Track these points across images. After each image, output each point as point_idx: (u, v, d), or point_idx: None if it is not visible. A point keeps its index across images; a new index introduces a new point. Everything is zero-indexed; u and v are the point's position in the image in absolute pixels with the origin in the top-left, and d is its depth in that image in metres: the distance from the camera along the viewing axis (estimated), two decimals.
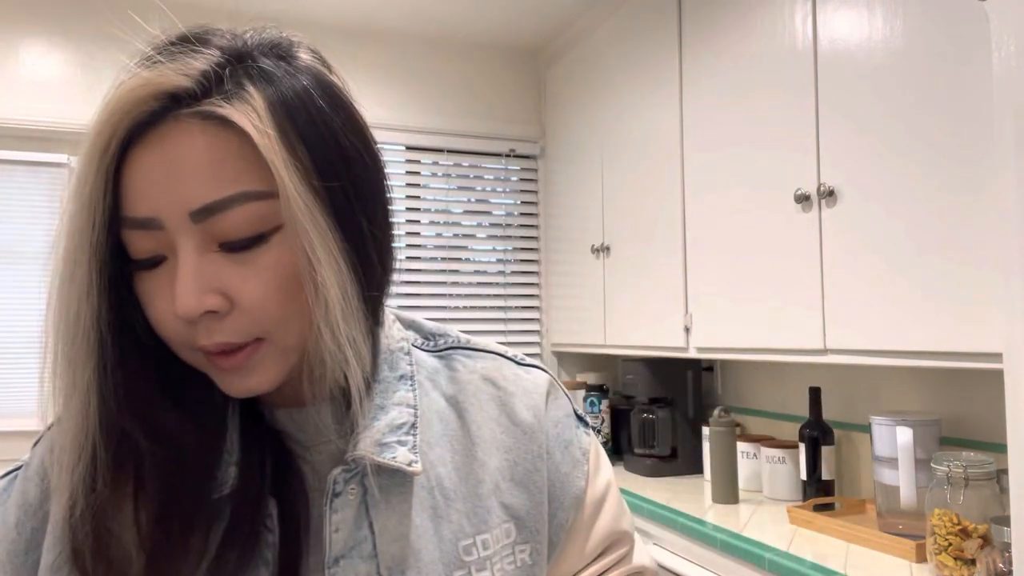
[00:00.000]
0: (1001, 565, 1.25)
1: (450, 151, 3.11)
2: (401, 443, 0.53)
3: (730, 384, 2.56)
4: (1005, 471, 1.39)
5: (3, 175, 2.60)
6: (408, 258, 3.03)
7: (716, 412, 2.14)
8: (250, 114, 0.47)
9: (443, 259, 3.07)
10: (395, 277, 0.57)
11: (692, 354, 2.18)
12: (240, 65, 0.53)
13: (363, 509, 0.52)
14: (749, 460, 2.20)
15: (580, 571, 0.61)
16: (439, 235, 3.07)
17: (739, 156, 1.97)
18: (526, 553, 0.57)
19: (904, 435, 1.59)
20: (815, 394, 2.02)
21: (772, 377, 2.36)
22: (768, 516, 1.92)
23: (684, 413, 2.52)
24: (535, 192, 3.21)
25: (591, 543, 0.61)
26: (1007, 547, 1.25)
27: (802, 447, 1.99)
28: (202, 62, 0.51)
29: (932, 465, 1.50)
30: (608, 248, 2.61)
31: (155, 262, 0.49)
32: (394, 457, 0.52)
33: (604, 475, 0.65)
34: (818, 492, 1.96)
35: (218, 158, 0.47)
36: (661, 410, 2.49)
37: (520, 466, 0.58)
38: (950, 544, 1.41)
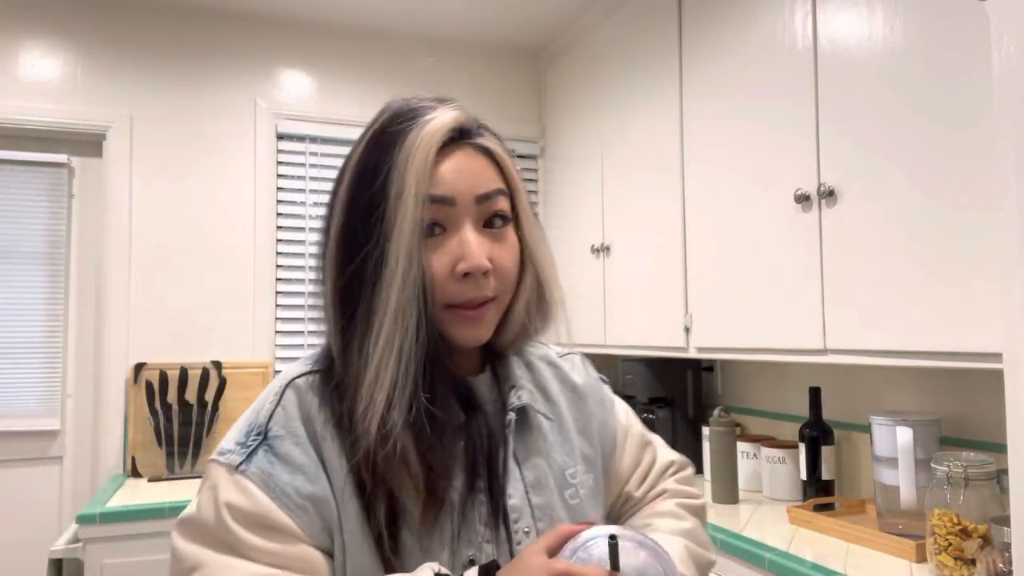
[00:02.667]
0: (1001, 565, 1.25)
1: None
2: (534, 401, 0.81)
3: (730, 384, 2.56)
4: (1005, 471, 1.39)
5: (3, 175, 2.60)
6: None
7: (716, 412, 2.14)
8: (496, 148, 0.75)
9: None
10: None
11: (692, 354, 2.18)
12: (476, 119, 0.77)
13: (519, 441, 0.78)
14: (749, 460, 2.20)
15: (630, 474, 0.90)
16: None
17: (739, 156, 1.97)
18: (591, 478, 0.83)
19: (904, 435, 1.59)
20: (815, 394, 2.02)
21: (772, 377, 2.36)
22: (768, 516, 1.92)
23: (684, 413, 2.52)
24: (535, 192, 3.21)
25: (628, 455, 0.90)
26: (1007, 547, 1.25)
27: (802, 447, 1.99)
28: (465, 114, 0.75)
29: (932, 465, 1.50)
30: (608, 248, 2.61)
31: (435, 232, 0.70)
32: (538, 409, 0.81)
33: (622, 410, 0.94)
34: (818, 492, 1.96)
35: (489, 169, 0.74)
36: (661, 410, 2.49)
37: (580, 421, 0.86)
38: (950, 544, 1.41)
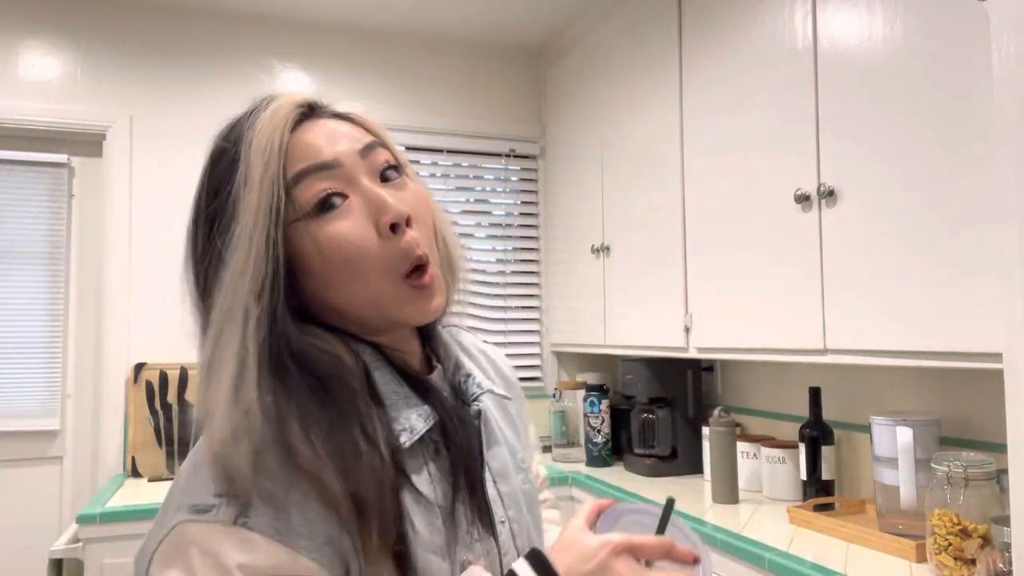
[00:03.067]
0: (1001, 565, 1.25)
1: (450, 151, 3.11)
2: (492, 388, 0.77)
3: (730, 384, 2.56)
4: (1005, 471, 1.39)
5: (3, 175, 2.60)
6: None
7: (716, 412, 2.14)
8: (351, 111, 0.72)
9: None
10: None
11: (692, 354, 2.18)
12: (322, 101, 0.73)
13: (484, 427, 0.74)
14: (749, 460, 2.20)
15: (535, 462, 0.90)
16: None
17: (739, 156, 1.97)
18: (528, 466, 0.80)
19: (904, 435, 1.59)
20: (815, 394, 2.02)
21: (772, 377, 2.36)
22: (768, 516, 1.92)
23: (684, 413, 2.52)
24: (535, 192, 3.21)
25: (530, 451, 0.87)
26: (1007, 547, 1.25)
27: (802, 447, 1.99)
28: (311, 92, 0.72)
29: (932, 465, 1.50)
30: (608, 248, 2.61)
31: (333, 204, 0.63)
32: (496, 393, 0.77)
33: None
34: (818, 492, 1.96)
35: (356, 129, 0.69)
36: (661, 410, 2.49)
37: (515, 407, 0.83)
38: (950, 544, 1.41)
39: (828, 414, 2.05)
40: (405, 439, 0.63)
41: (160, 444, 2.60)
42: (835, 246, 1.66)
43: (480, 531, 0.67)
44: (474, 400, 0.73)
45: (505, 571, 0.64)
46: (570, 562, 0.60)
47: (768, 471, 2.11)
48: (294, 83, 2.89)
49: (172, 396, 2.63)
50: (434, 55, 3.10)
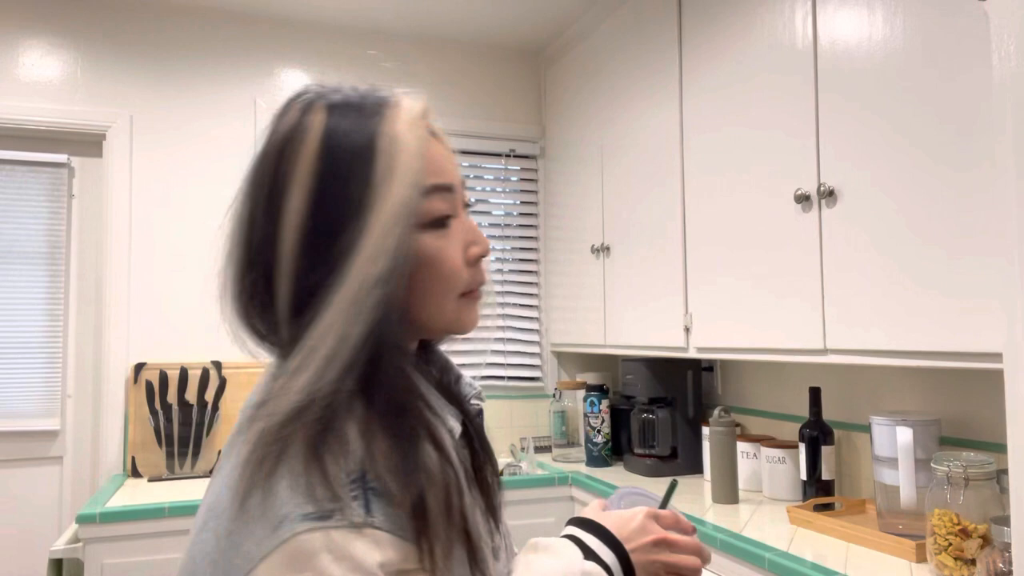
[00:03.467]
0: (1001, 565, 1.25)
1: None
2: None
3: (730, 384, 2.56)
4: (1005, 471, 1.39)
5: (3, 175, 2.60)
6: None
7: (716, 412, 2.14)
8: (443, 133, 0.72)
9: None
10: None
11: (692, 354, 2.18)
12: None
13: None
14: (749, 460, 2.20)
15: None
16: None
17: (739, 156, 1.97)
18: None
19: (904, 435, 1.59)
20: (815, 394, 2.02)
21: (772, 377, 2.36)
22: (768, 516, 1.92)
23: (684, 413, 2.52)
24: (535, 192, 3.21)
25: None
26: (1007, 547, 1.25)
27: (802, 447, 1.99)
28: (426, 102, 0.71)
29: (932, 465, 1.50)
30: (608, 248, 2.61)
31: (446, 224, 0.66)
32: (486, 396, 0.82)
33: None
34: (818, 492, 1.96)
35: (453, 154, 0.71)
36: (661, 410, 2.49)
37: None
38: (950, 544, 1.41)
39: (828, 414, 2.05)
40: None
41: (160, 444, 2.60)
42: (835, 246, 1.66)
43: (492, 522, 0.70)
44: (470, 400, 0.76)
45: (563, 534, 0.73)
46: (613, 524, 0.73)
47: (768, 471, 2.11)
48: (294, 83, 2.89)
49: (172, 396, 2.63)
50: (434, 55, 3.10)
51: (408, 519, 0.56)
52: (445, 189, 0.66)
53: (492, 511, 0.69)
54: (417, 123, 0.65)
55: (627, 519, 0.74)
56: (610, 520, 0.74)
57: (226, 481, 0.61)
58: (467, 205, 0.71)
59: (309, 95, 0.68)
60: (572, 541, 0.72)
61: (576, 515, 0.77)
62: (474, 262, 0.69)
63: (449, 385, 0.73)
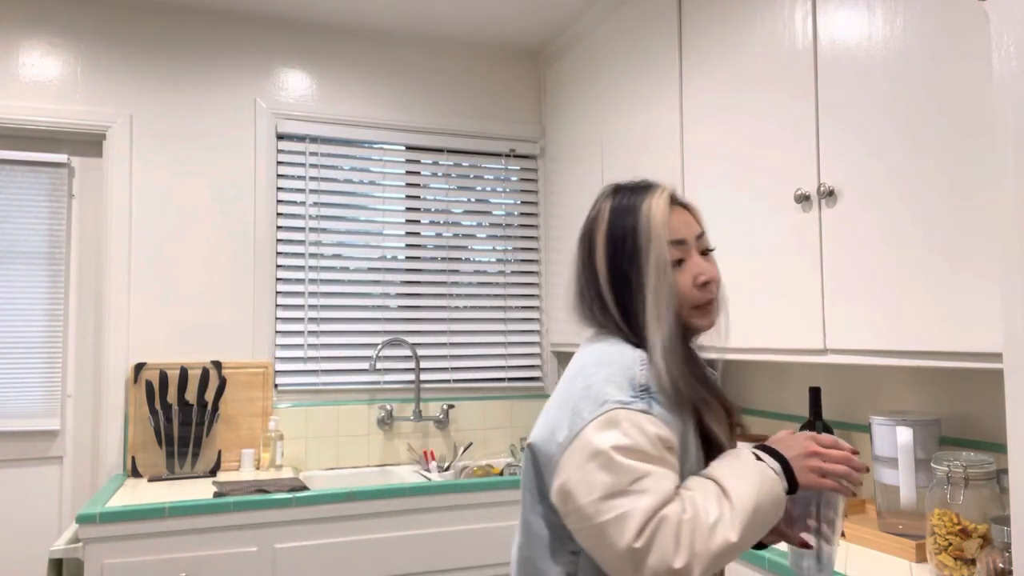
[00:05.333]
0: (1001, 565, 1.25)
1: (450, 151, 3.11)
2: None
3: (730, 384, 2.56)
4: (1005, 471, 1.39)
5: (3, 175, 2.60)
6: (408, 258, 3.03)
7: None
8: (691, 205, 1.16)
9: (443, 259, 3.07)
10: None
11: None
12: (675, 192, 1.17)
13: None
14: None
15: None
16: (439, 235, 3.07)
17: (739, 156, 1.97)
18: None
19: (904, 435, 1.59)
20: (815, 394, 2.02)
21: (772, 377, 2.36)
22: None
23: None
24: (535, 192, 3.21)
25: None
26: (1007, 547, 1.25)
27: None
28: (670, 189, 1.14)
29: (932, 465, 1.50)
30: None
31: (679, 263, 1.08)
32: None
33: None
34: None
35: (693, 218, 1.14)
36: None
37: None
38: (950, 544, 1.41)
39: (828, 414, 2.05)
40: None
41: (160, 444, 2.60)
42: (835, 246, 1.66)
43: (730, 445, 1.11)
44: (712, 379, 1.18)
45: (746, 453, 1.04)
46: (779, 442, 1.06)
47: None
48: (294, 83, 2.89)
49: (172, 396, 2.63)
50: (434, 55, 3.10)
51: (676, 417, 1.01)
52: (679, 243, 1.08)
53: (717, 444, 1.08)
54: (663, 200, 1.08)
55: (792, 438, 1.05)
56: (778, 442, 1.06)
57: (574, 377, 1.06)
58: (709, 250, 1.12)
59: (606, 188, 1.15)
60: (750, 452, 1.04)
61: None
62: (700, 286, 1.08)
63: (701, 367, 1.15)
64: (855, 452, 1.04)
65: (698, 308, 1.09)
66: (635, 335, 1.07)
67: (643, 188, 1.12)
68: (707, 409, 1.06)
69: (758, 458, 1.01)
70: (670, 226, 1.08)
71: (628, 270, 1.07)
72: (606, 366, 1.02)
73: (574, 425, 0.98)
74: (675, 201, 1.12)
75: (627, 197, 1.11)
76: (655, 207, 1.08)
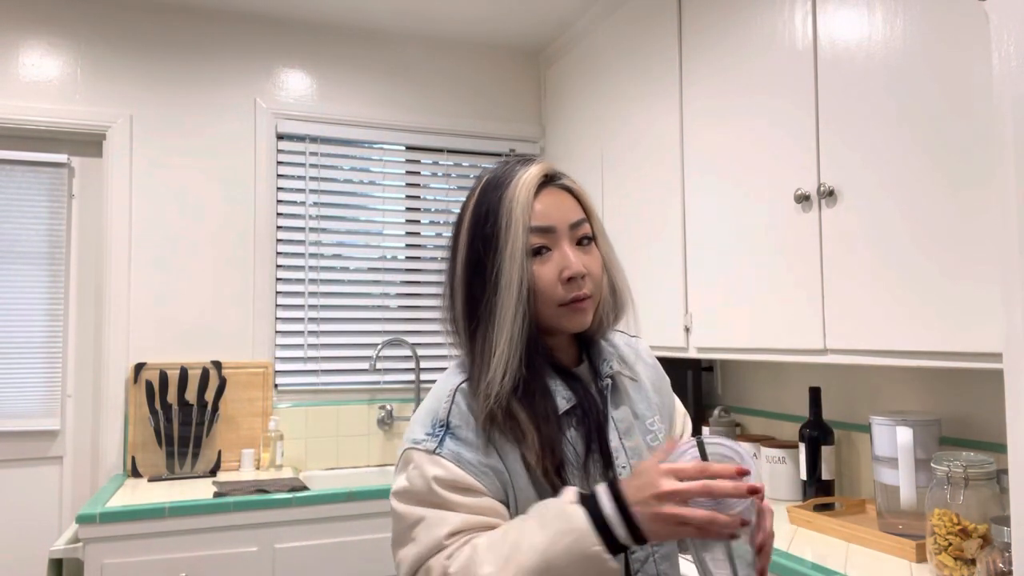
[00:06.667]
0: (1001, 565, 1.25)
1: (450, 151, 3.11)
2: (621, 368, 1.07)
3: (730, 384, 2.56)
4: (1005, 471, 1.39)
5: (3, 175, 2.60)
6: (408, 258, 3.03)
7: (716, 412, 2.14)
8: (574, 186, 1.04)
9: (443, 259, 3.06)
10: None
11: (692, 354, 2.18)
12: (556, 168, 1.05)
13: (612, 400, 1.03)
14: None
15: (679, 426, 1.17)
16: (439, 235, 3.07)
17: (739, 156, 1.97)
18: (664, 428, 1.08)
19: (904, 435, 1.59)
20: (815, 394, 2.02)
21: (772, 377, 2.36)
22: None
23: None
24: None
25: (678, 420, 1.18)
26: (1007, 547, 1.25)
27: (802, 447, 1.99)
28: (548, 165, 1.03)
29: (932, 465, 1.50)
30: None
31: (542, 252, 0.96)
32: (624, 373, 1.07)
33: (668, 382, 1.20)
34: (818, 492, 1.96)
35: (573, 202, 1.01)
36: None
37: (655, 383, 1.13)
38: (950, 544, 1.41)
39: (828, 414, 2.05)
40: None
41: (160, 444, 2.60)
42: (835, 246, 1.66)
43: (609, 478, 0.95)
44: (606, 376, 1.02)
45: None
46: (632, 484, 0.83)
47: (768, 471, 2.11)
48: (294, 83, 2.89)
49: (172, 396, 2.63)
50: (434, 55, 3.10)
51: (487, 448, 0.92)
52: (544, 229, 0.96)
53: (605, 463, 0.97)
54: (531, 179, 0.97)
55: (646, 472, 0.82)
56: (631, 481, 0.83)
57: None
58: (586, 238, 0.99)
59: (480, 176, 1.02)
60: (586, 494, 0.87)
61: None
62: (565, 281, 0.95)
63: (598, 367, 1.04)
64: (742, 472, 0.80)
65: (565, 307, 0.95)
66: (471, 341, 0.96)
67: (517, 163, 1.00)
68: (522, 442, 0.91)
69: (585, 502, 0.83)
70: (534, 210, 0.95)
71: (484, 256, 0.95)
72: (429, 399, 0.97)
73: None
74: (552, 181, 1.00)
75: (500, 172, 1.00)
76: (519, 186, 0.96)
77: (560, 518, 0.82)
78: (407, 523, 0.89)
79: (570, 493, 0.85)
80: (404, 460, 0.93)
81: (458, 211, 1.03)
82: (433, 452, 0.90)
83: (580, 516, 0.81)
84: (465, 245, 0.98)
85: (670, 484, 0.79)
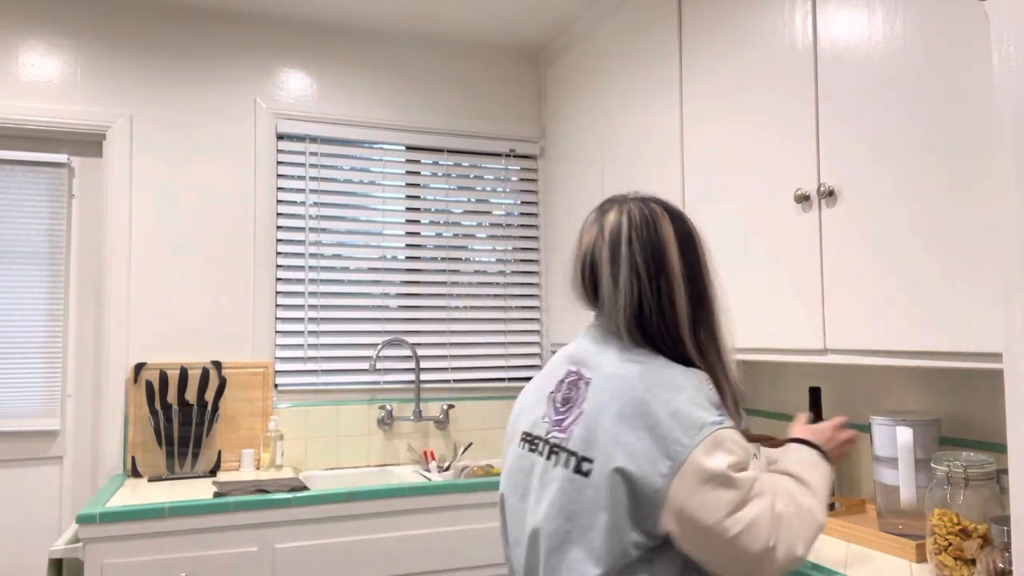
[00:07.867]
0: (1001, 565, 1.25)
1: (450, 151, 3.11)
2: None
3: None
4: (1005, 471, 1.39)
5: (3, 175, 2.60)
6: (408, 258, 3.03)
7: None
8: None
9: (443, 259, 3.07)
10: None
11: None
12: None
13: None
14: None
15: None
16: (439, 235, 3.07)
17: (739, 156, 1.97)
18: None
19: (904, 435, 1.59)
20: (815, 394, 2.02)
21: (772, 377, 2.36)
22: None
23: None
24: (535, 192, 3.21)
25: None
26: (1007, 547, 1.25)
27: None
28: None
29: (932, 465, 1.50)
30: None
31: None
32: None
33: None
34: None
35: None
36: None
37: None
38: (950, 544, 1.41)
39: (828, 414, 2.05)
40: None
41: (160, 444, 2.60)
42: (835, 246, 1.66)
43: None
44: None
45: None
46: (819, 437, 1.25)
47: (768, 471, 2.11)
48: (294, 83, 2.89)
49: (172, 396, 2.63)
50: (434, 55, 3.10)
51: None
52: None
53: None
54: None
55: (821, 430, 1.27)
56: (814, 433, 1.26)
57: (642, 402, 1.06)
58: None
59: (618, 196, 1.21)
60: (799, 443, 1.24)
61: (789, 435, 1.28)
62: None
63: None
64: (843, 422, 1.32)
65: None
66: (677, 349, 1.13)
67: (662, 201, 1.21)
68: (736, 418, 1.14)
69: (817, 450, 1.22)
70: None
71: (698, 273, 1.15)
72: (679, 389, 1.06)
73: (676, 453, 1.01)
74: None
75: (669, 205, 1.19)
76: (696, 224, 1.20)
77: (812, 459, 1.19)
78: (748, 485, 1.02)
79: (804, 447, 1.22)
80: (718, 438, 1.03)
81: (640, 236, 1.15)
82: (735, 427, 1.07)
83: (818, 456, 1.20)
84: (679, 264, 1.14)
85: (846, 433, 1.29)
